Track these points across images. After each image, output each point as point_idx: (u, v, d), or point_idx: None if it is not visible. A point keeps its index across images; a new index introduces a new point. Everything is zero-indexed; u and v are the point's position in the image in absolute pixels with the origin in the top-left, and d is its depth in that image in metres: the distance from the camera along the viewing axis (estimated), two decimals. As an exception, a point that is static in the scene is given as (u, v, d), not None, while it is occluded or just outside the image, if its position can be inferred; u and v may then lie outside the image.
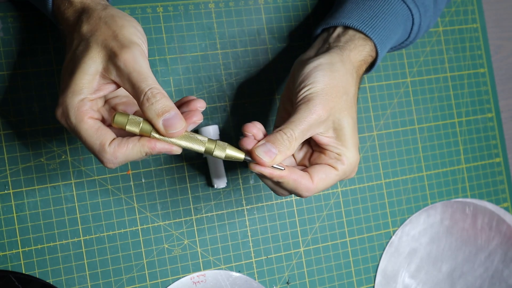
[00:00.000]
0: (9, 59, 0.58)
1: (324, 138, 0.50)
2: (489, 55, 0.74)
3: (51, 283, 0.57)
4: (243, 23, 0.65)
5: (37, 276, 0.57)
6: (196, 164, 0.62)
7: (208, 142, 0.47)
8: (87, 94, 0.45)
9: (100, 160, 0.45)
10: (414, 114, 0.70)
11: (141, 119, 0.45)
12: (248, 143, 0.48)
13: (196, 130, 0.62)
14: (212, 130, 0.60)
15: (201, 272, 0.61)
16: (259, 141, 0.48)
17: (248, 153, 0.48)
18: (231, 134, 0.63)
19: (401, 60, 0.70)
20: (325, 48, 0.55)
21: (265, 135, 0.49)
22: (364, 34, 0.55)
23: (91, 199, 0.59)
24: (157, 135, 0.45)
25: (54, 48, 0.59)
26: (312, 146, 0.53)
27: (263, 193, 0.64)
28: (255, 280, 0.63)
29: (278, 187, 0.50)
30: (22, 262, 0.57)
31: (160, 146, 0.45)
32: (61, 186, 0.58)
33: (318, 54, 0.54)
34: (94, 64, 0.45)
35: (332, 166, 0.50)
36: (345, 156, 0.50)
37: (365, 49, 0.55)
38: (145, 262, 0.60)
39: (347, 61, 0.53)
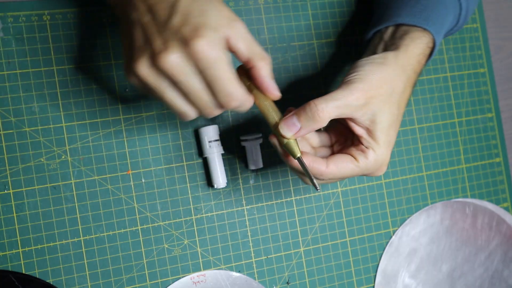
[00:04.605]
0: (9, 59, 0.58)
1: (358, 128, 0.50)
2: (489, 55, 0.74)
3: (51, 283, 0.57)
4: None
5: (37, 276, 0.57)
6: (196, 164, 0.62)
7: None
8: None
9: (234, 96, 0.46)
10: (414, 114, 0.70)
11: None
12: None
13: (196, 130, 0.62)
14: (212, 130, 0.60)
15: (201, 272, 0.61)
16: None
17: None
18: (231, 134, 0.63)
19: (401, 60, 0.70)
20: (381, 49, 0.56)
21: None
22: (419, 27, 0.55)
23: (91, 199, 0.59)
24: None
25: (54, 48, 0.59)
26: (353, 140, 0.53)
27: (263, 193, 0.64)
28: (255, 280, 0.63)
29: (295, 171, 0.51)
30: (22, 262, 0.57)
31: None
32: (61, 186, 0.58)
33: (374, 54, 0.55)
34: None
35: (354, 157, 0.50)
36: (372, 151, 0.50)
37: (422, 41, 0.55)
38: (145, 262, 0.60)
39: (403, 57, 0.53)
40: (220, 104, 0.46)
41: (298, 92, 0.66)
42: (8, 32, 0.58)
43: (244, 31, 0.46)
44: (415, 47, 0.54)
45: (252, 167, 0.62)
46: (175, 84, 0.45)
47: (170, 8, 0.44)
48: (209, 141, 0.60)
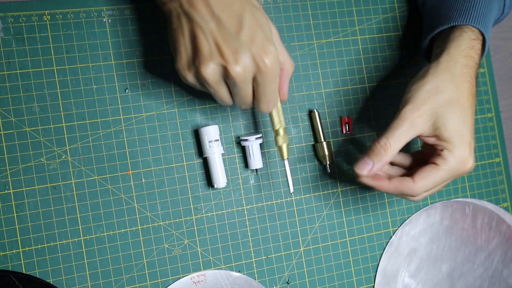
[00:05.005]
0: (10, 59, 0.58)
1: (427, 138, 0.54)
2: (489, 55, 0.74)
3: (52, 283, 0.57)
4: (243, 23, 0.65)
5: (38, 276, 0.57)
6: (196, 164, 0.62)
7: (283, 130, 0.57)
8: None
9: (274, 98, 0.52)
10: (414, 114, 0.70)
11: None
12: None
13: (196, 130, 0.62)
14: (212, 130, 0.60)
15: (201, 272, 0.61)
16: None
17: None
18: (231, 134, 0.63)
19: (402, 60, 0.70)
20: (433, 58, 0.58)
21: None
22: (460, 25, 0.57)
23: (91, 199, 0.59)
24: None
25: (54, 48, 0.59)
26: (426, 150, 0.57)
27: (263, 193, 0.64)
28: (255, 280, 0.63)
29: (394, 194, 0.56)
30: (22, 262, 0.57)
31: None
32: (61, 186, 0.58)
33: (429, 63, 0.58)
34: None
35: (435, 163, 0.53)
36: (448, 152, 0.53)
37: (463, 37, 0.57)
38: (145, 262, 0.60)
39: (446, 60, 0.55)
40: (258, 107, 0.52)
41: (298, 92, 0.66)
42: (8, 32, 0.58)
43: (278, 35, 0.53)
44: (456, 45, 0.56)
45: (252, 167, 0.62)
46: (232, 86, 0.50)
47: (238, 20, 0.48)
48: (209, 141, 0.60)
